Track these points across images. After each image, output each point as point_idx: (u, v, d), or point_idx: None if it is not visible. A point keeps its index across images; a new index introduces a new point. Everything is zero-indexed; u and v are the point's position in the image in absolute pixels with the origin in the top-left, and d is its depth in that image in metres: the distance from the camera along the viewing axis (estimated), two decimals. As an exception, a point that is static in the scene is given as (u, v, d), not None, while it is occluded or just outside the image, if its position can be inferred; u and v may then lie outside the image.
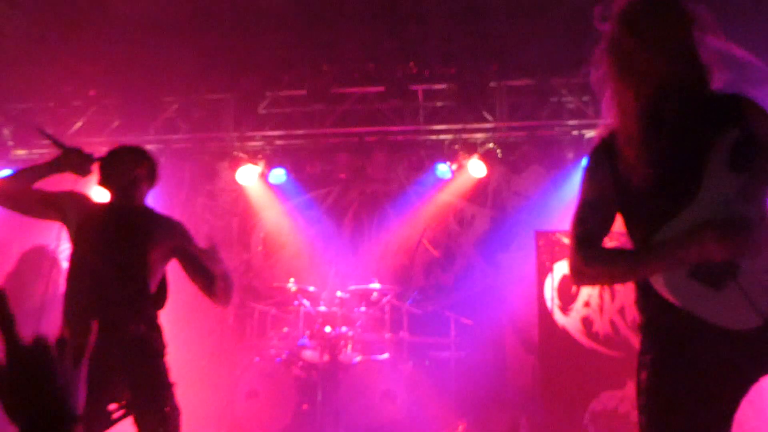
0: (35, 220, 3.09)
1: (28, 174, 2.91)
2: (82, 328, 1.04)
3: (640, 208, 1.79)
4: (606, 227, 1.85)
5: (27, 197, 2.89)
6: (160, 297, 2.94)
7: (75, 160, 2.76)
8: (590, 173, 1.87)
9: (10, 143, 6.93)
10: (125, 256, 2.80)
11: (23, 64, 6.36)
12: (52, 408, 0.81)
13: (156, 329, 2.86)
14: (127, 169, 2.95)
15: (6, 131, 6.94)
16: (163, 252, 2.91)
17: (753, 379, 1.72)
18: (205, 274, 2.87)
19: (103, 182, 2.92)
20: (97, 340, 2.55)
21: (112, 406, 2.66)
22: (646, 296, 1.79)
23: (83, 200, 2.96)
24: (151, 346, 2.79)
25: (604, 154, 1.84)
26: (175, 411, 2.69)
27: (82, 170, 2.81)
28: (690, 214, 1.66)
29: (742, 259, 1.63)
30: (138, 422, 2.63)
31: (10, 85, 6.67)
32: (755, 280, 1.64)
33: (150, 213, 3.00)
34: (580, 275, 1.85)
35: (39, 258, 6.29)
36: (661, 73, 1.73)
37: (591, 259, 1.80)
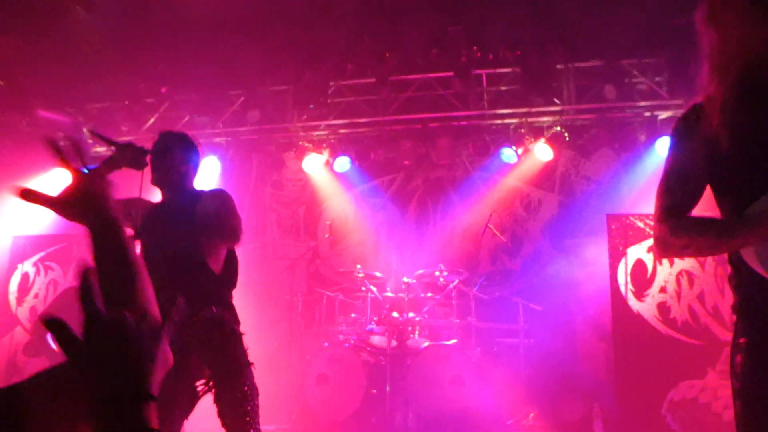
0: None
1: None
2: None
3: (733, 178, 1.69)
4: (695, 198, 1.76)
5: None
6: (228, 277, 2.99)
7: (130, 155, 2.80)
8: (679, 141, 1.78)
9: (90, 141, 7.28)
10: (179, 244, 2.86)
11: (100, 65, 6.68)
12: (127, 383, 0.80)
13: (229, 309, 2.92)
14: (177, 164, 3.00)
15: (86, 130, 7.30)
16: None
17: None
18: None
19: (156, 182, 3.00)
20: (178, 324, 2.66)
21: (197, 383, 2.75)
22: (740, 273, 1.69)
23: (145, 203, 3.05)
24: (228, 326, 2.85)
25: (695, 122, 1.74)
26: (253, 390, 2.74)
27: (138, 164, 2.85)
28: None
29: None
30: (218, 400, 2.71)
31: (88, 86, 7.02)
32: None
33: (197, 196, 3.03)
34: (665, 246, 1.76)
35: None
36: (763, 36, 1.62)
37: (678, 229, 1.71)
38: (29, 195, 1.14)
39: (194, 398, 2.76)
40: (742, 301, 1.72)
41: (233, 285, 3.03)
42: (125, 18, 6.09)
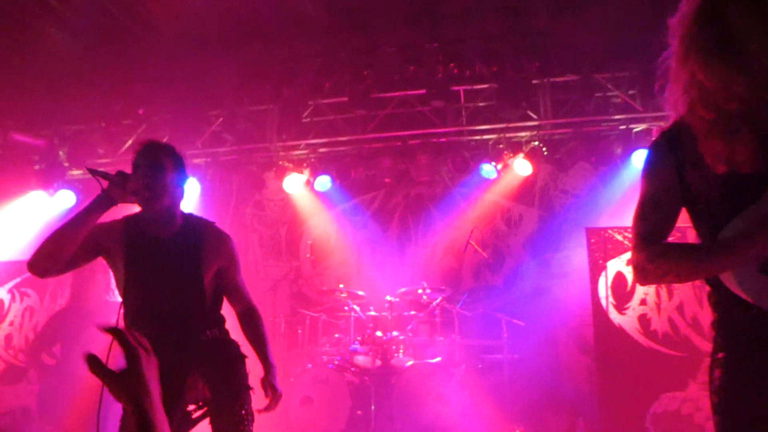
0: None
1: (78, 221, 2.52)
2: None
3: (708, 202, 1.72)
4: (670, 223, 1.78)
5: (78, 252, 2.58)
6: (218, 304, 2.96)
7: (131, 187, 2.51)
8: (652, 168, 1.80)
9: (66, 164, 7.19)
10: (186, 291, 2.75)
11: (75, 86, 6.62)
12: None
13: (227, 333, 2.90)
14: (170, 186, 2.71)
15: (61, 153, 7.21)
16: (212, 267, 2.87)
17: None
18: (241, 300, 2.94)
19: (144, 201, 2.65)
20: (173, 348, 2.63)
21: (191, 407, 2.72)
22: (718, 292, 1.72)
23: (118, 226, 2.76)
24: (230, 349, 2.83)
25: (667, 148, 1.77)
26: (249, 415, 2.71)
27: (139, 196, 2.57)
28: (761, 208, 1.58)
29: None
30: (214, 422, 2.67)
31: (63, 107, 6.95)
32: None
33: (193, 229, 2.85)
34: (644, 273, 1.78)
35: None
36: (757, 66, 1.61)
37: (655, 256, 1.73)
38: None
39: (188, 423, 2.72)
40: (720, 318, 1.74)
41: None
42: (100, 38, 6.04)
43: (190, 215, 2.91)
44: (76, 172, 7.28)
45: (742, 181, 1.65)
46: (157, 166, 2.66)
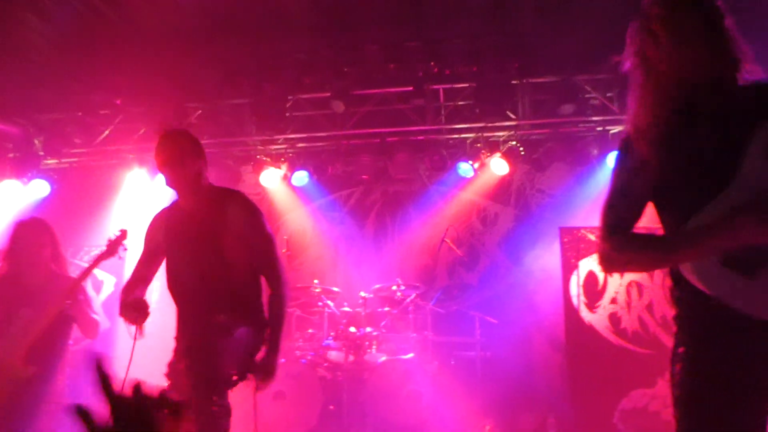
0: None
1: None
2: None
3: (672, 195, 1.77)
4: (637, 214, 1.83)
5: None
6: (250, 284, 2.96)
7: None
8: (621, 161, 1.86)
9: (41, 153, 7.10)
10: (208, 263, 2.85)
11: (52, 75, 6.53)
12: None
13: (244, 318, 2.90)
14: (194, 168, 2.90)
15: (37, 142, 7.12)
16: (235, 241, 2.89)
17: None
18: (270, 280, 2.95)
19: (173, 184, 2.92)
20: (190, 329, 2.66)
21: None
22: (679, 285, 1.76)
23: (159, 222, 3.05)
24: (230, 339, 2.82)
25: (632, 146, 1.82)
26: (224, 409, 2.69)
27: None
28: (723, 202, 1.62)
29: None
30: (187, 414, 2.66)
31: (40, 96, 6.86)
32: None
33: (219, 200, 2.94)
34: (610, 262, 1.82)
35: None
36: (691, 78, 1.71)
37: (621, 245, 1.77)
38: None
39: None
40: (681, 312, 1.79)
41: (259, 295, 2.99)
42: (79, 27, 5.97)
43: (220, 188, 3.03)
44: (51, 162, 7.19)
45: (706, 174, 1.69)
46: (180, 156, 2.87)
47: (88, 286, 6.34)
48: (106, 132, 7.00)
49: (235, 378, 2.77)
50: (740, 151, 1.64)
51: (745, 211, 1.56)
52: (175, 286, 2.95)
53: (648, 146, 1.76)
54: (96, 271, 6.33)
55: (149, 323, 2.82)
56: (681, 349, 1.74)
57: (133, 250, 3.36)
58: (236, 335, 2.80)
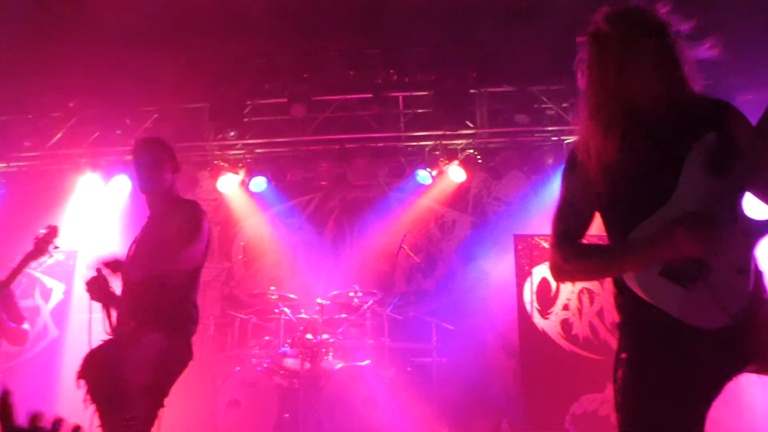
0: None
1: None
2: None
3: (617, 208, 1.82)
4: (585, 224, 1.89)
5: None
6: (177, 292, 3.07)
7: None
8: (568, 173, 1.92)
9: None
10: (142, 262, 2.96)
11: (2, 76, 6.34)
12: None
13: (155, 327, 2.91)
14: (165, 175, 3.08)
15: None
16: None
17: (726, 378, 1.72)
18: None
19: (144, 191, 3.09)
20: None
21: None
22: (622, 294, 1.81)
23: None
24: (134, 348, 2.84)
25: (579, 157, 1.88)
26: (134, 421, 2.62)
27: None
28: (664, 215, 1.69)
29: (712, 258, 1.65)
30: (102, 425, 2.64)
31: (-11, 97, 6.65)
32: (724, 280, 1.66)
33: (176, 209, 3.08)
34: (559, 271, 1.89)
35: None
36: (637, 95, 1.77)
37: (569, 255, 1.83)
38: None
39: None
40: (624, 319, 1.84)
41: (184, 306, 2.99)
42: (31, 26, 5.82)
43: (182, 199, 3.18)
44: (0, 165, 6.98)
45: (648, 188, 1.75)
46: (154, 162, 3.08)
47: (37, 293, 6.23)
48: (59, 135, 6.83)
49: (144, 387, 2.72)
50: (680, 165, 1.71)
51: (681, 224, 1.63)
52: (122, 284, 3.02)
53: (592, 160, 1.81)
54: (45, 279, 6.22)
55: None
56: (623, 355, 1.79)
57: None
58: (143, 342, 2.77)
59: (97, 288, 2.81)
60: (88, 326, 2.94)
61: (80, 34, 5.94)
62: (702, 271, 1.65)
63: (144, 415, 2.64)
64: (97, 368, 2.65)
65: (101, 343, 2.78)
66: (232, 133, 6.62)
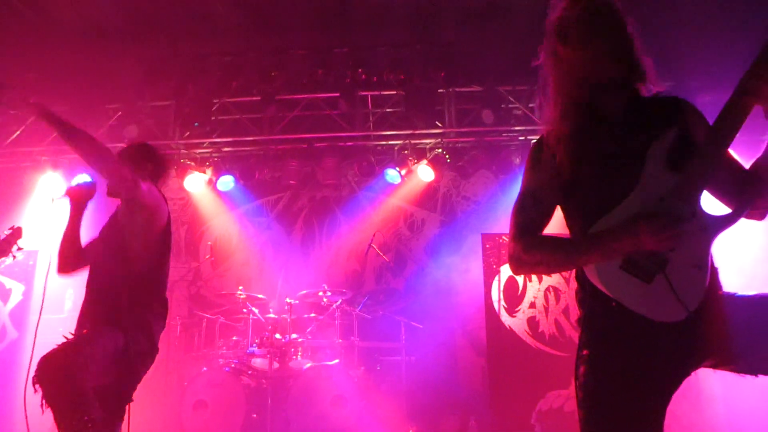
0: None
1: None
2: None
3: (579, 200, 1.84)
4: (546, 217, 1.90)
5: None
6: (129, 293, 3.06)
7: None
8: (531, 166, 1.93)
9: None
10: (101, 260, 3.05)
11: (-42, 71, 6.14)
12: None
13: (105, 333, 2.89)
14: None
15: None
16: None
17: (684, 372, 1.74)
18: None
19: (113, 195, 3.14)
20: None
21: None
22: (584, 289, 1.83)
23: None
24: (75, 352, 2.81)
25: (544, 150, 1.89)
26: (91, 423, 2.55)
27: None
28: (625, 209, 1.71)
29: (671, 253, 1.67)
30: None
31: (-55, 92, 6.43)
32: (683, 274, 1.68)
33: None
34: (518, 263, 1.88)
35: None
36: (596, 76, 1.79)
37: (530, 247, 1.83)
38: None
39: None
40: (585, 314, 1.85)
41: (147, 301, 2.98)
42: (-6, 23, 5.66)
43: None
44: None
45: (610, 181, 1.77)
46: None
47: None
48: (18, 132, 6.65)
49: (101, 387, 2.69)
50: (642, 160, 1.73)
51: (643, 218, 1.65)
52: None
53: (557, 144, 1.84)
54: (3, 279, 6.05)
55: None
56: (584, 352, 1.80)
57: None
58: (98, 341, 2.74)
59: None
60: (35, 329, 2.94)
61: (40, 30, 5.80)
62: (661, 266, 1.67)
63: (103, 416, 2.59)
64: (51, 372, 2.58)
65: (56, 346, 2.71)
66: (195, 124, 6.51)
